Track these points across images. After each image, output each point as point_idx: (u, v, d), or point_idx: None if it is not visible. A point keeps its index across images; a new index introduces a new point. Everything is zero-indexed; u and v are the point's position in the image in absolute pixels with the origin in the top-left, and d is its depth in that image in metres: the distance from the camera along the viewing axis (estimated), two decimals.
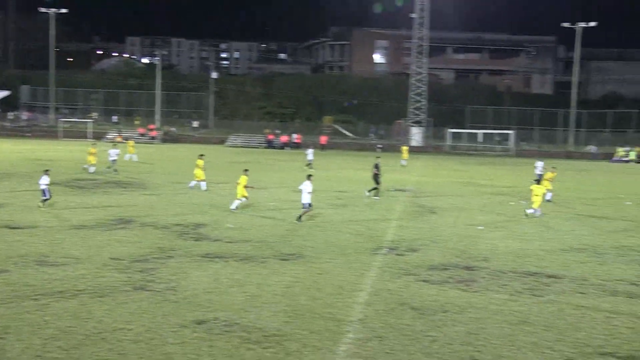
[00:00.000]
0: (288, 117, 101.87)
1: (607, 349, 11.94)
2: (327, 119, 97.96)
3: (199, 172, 33.95)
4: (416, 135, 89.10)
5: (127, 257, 17.76)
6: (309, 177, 25.38)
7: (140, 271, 16.33)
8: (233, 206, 27.11)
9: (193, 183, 33.92)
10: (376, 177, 33.80)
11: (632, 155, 78.95)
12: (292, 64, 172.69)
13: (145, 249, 18.94)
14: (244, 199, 27.29)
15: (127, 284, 15.15)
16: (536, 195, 28.28)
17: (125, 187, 34.21)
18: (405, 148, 58.73)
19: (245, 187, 27.07)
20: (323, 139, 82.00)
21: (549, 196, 32.61)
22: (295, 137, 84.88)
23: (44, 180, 26.44)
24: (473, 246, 21.16)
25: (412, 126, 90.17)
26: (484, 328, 12.86)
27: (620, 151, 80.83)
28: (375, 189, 33.53)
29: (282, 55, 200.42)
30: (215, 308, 13.54)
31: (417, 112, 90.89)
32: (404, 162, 55.06)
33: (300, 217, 24.83)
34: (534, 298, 15.12)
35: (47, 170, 27.43)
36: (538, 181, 30.17)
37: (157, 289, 14.76)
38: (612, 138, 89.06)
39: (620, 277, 17.50)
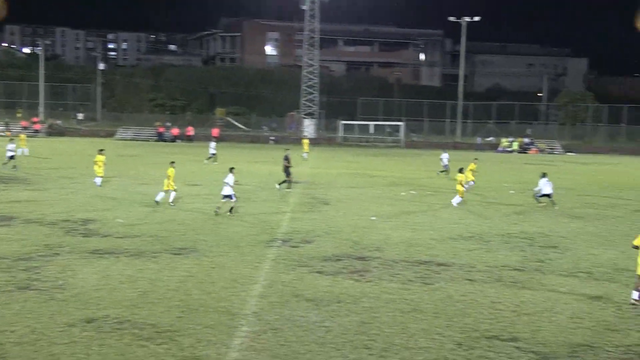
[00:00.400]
0: (179, 110, 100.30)
1: (493, 332, 12.40)
2: (219, 111, 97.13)
3: (97, 168, 32.46)
4: (309, 127, 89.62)
5: (10, 256, 17.02)
6: (231, 169, 25.59)
7: (24, 270, 15.69)
8: (171, 199, 26.96)
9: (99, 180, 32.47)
10: (287, 169, 33.84)
11: (515, 146, 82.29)
12: (182, 55, 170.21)
13: (30, 247, 18.22)
14: (173, 192, 27.02)
15: (10, 283, 14.52)
16: (459, 184, 29.48)
17: (7, 183, 32.80)
18: (306, 141, 58.47)
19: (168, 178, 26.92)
20: (215, 132, 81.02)
21: (468, 185, 33.85)
22: (188, 130, 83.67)
23: None
24: (366, 237, 21.49)
25: (305, 118, 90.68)
26: (377, 317, 13.09)
27: (505, 142, 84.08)
28: (285, 181, 33.58)
29: (172, 47, 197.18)
30: (105, 305, 13.19)
31: (309, 104, 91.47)
32: (305, 155, 54.87)
33: (231, 209, 25.02)
34: (425, 286, 15.51)
35: None
36: (461, 170, 30.92)
37: (43, 288, 14.23)
38: (496, 129, 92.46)
39: (504, 263, 18.21)
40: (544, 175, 30.07)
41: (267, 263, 17.36)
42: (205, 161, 48.41)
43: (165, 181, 26.89)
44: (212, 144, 50.87)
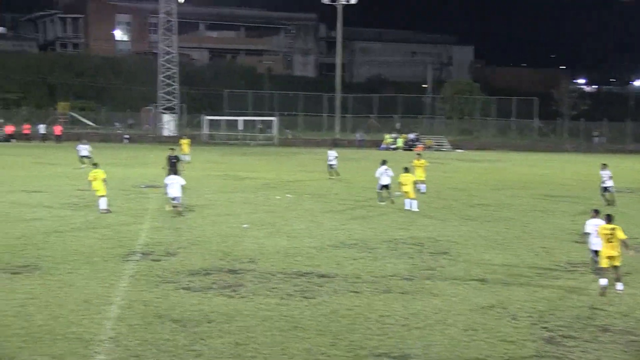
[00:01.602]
0: (13, 104, 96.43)
1: (382, 350, 12.67)
2: (61, 106, 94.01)
3: None
4: (168, 123, 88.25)
5: None
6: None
7: None
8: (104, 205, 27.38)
9: None
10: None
11: (400, 143, 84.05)
12: (14, 39, 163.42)
13: None
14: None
15: None
16: (405, 185, 30.07)
17: None
18: (185, 141, 55.76)
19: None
20: (57, 129, 78.41)
21: (423, 188, 34.55)
22: (24, 127, 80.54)
23: None
24: (238, 247, 21.46)
25: (164, 113, 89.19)
26: (253, 337, 13.10)
27: (388, 138, 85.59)
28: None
29: (1, 29, 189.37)
30: None
31: (168, 97, 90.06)
32: (187, 158, 52.00)
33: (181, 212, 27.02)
34: (306, 301, 15.64)
35: None
36: (406, 169, 31.23)
37: None
38: (378, 124, 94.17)
39: (392, 272, 18.63)
40: (384, 162, 32.21)
41: (124, 280, 17.03)
42: (82, 166, 46.06)
43: (96, 184, 27.51)
44: (85, 146, 47.77)
